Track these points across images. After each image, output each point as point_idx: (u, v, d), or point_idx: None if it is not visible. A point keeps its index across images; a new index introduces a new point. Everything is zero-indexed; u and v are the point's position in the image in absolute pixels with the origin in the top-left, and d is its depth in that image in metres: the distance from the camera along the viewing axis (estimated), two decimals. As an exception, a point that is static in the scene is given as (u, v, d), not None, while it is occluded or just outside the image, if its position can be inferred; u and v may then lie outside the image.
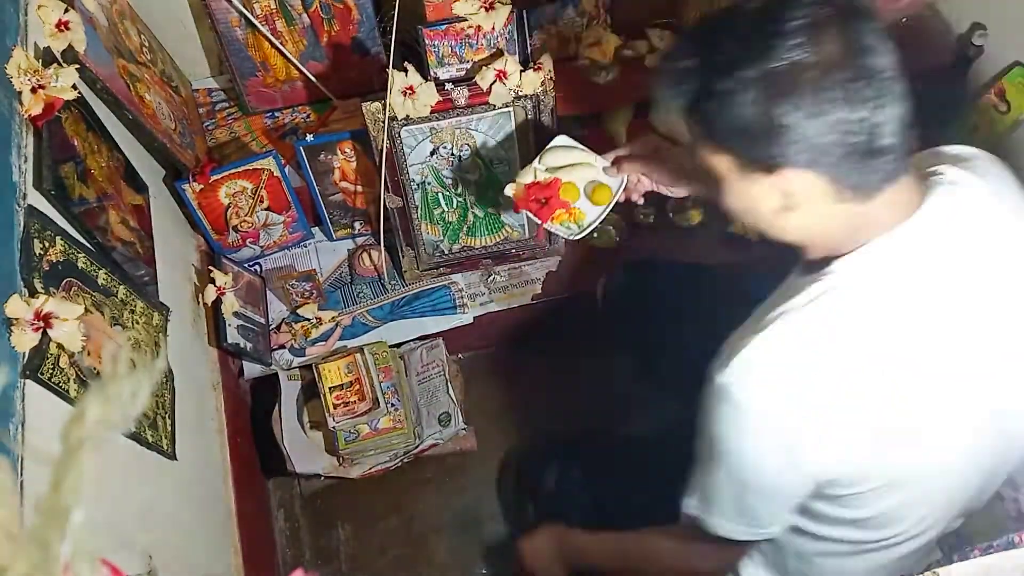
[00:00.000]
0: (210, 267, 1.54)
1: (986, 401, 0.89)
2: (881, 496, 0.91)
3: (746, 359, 0.84)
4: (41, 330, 0.91)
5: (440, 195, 1.55)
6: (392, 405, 1.62)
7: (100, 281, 1.11)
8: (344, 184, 1.61)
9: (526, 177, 1.28)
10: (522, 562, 1.32)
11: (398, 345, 1.73)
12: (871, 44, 0.76)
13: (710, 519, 0.98)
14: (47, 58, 1.09)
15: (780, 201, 0.83)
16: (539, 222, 1.28)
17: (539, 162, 1.29)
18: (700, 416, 0.91)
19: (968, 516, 1.07)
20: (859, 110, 0.75)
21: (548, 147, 1.31)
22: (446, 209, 1.58)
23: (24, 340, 0.89)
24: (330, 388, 1.57)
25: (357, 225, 1.71)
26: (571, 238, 1.29)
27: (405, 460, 1.71)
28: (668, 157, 1.19)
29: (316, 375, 1.58)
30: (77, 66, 1.09)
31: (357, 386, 1.58)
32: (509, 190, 1.30)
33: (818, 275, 0.85)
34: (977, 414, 0.89)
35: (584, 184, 1.28)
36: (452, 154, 1.48)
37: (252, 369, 1.66)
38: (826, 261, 0.86)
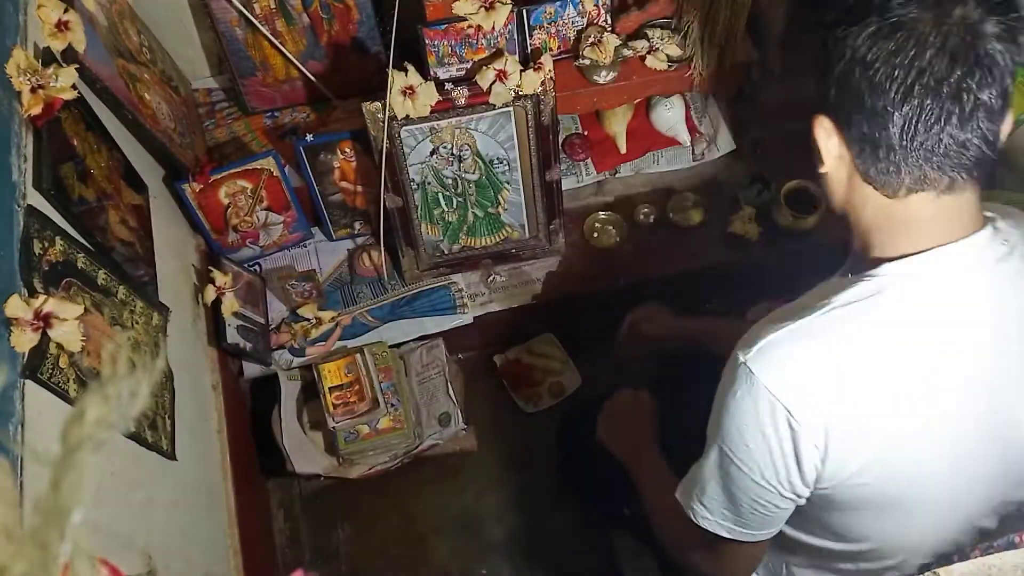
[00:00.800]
0: (210, 267, 1.54)
1: (995, 442, 0.87)
2: (867, 512, 0.90)
3: (775, 343, 0.82)
4: (41, 330, 0.91)
5: (440, 195, 1.55)
6: (392, 405, 1.62)
7: (100, 281, 1.11)
8: (344, 184, 1.61)
9: (511, 353, 1.89)
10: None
11: (398, 345, 1.73)
12: (979, 57, 0.71)
13: (695, 505, 0.96)
14: (47, 58, 1.09)
15: (819, 146, 0.83)
16: (509, 390, 1.87)
17: (526, 344, 1.90)
18: (717, 393, 0.88)
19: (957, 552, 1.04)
20: (906, 106, 0.73)
21: (537, 338, 1.90)
22: (446, 209, 1.58)
23: (24, 340, 0.89)
24: (330, 388, 1.57)
25: (357, 225, 1.71)
26: (524, 410, 1.86)
27: (405, 460, 1.71)
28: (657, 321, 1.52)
29: (316, 375, 1.58)
30: (77, 66, 1.09)
31: (357, 386, 1.57)
32: (497, 360, 1.90)
33: (866, 275, 0.83)
34: (985, 452, 0.87)
35: (549, 378, 1.87)
36: (452, 154, 1.48)
37: (252, 369, 1.66)
38: (874, 262, 0.83)
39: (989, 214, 0.85)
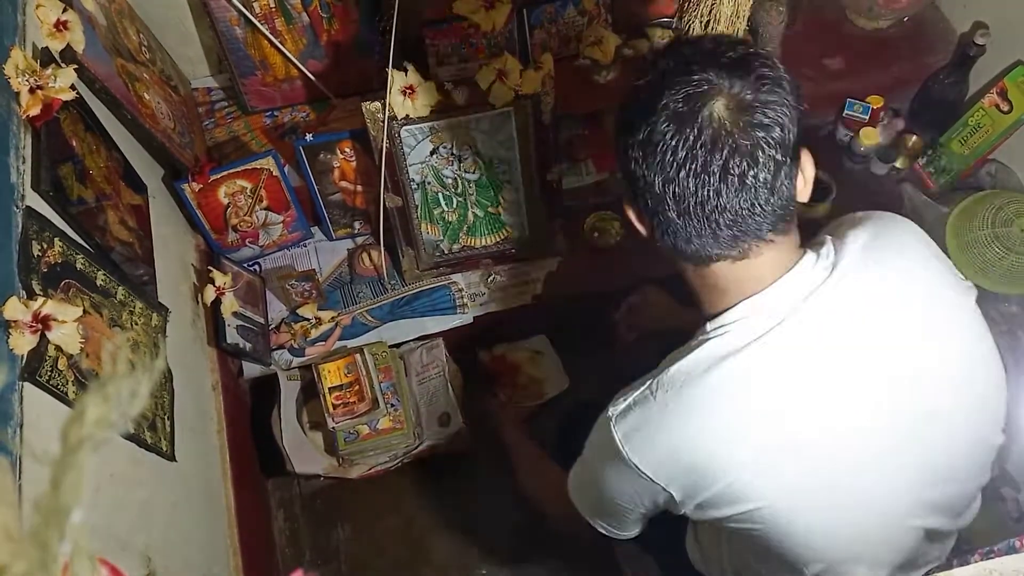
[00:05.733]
0: (209, 267, 1.53)
1: (891, 442, 0.88)
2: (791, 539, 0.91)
3: (627, 403, 0.90)
4: (39, 332, 0.91)
5: (440, 195, 1.55)
6: (392, 405, 1.61)
7: (99, 282, 1.11)
8: (343, 184, 1.61)
9: (496, 350, 1.82)
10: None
11: (398, 345, 1.73)
12: (741, 141, 0.77)
13: (579, 507, 1.07)
14: (45, 58, 1.09)
15: (639, 237, 0.89)
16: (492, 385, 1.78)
17: (516, 343, 1.83)
18: (592, 429, 0.98)
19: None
20: (691, 185, 0.78)
21: (529, 339, 1.84)
22: (446, 209, 1.58)
23: (22, 342, 0.89)
24: (329, 388, 1.57)
25: (357, 225, 1.71)
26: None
27: (405, 460, 1.71)
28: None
29: (315, 375, 1.57)
30: (76, 66, 1.09)
31: (357, 386, 1.57)
32: (482, 355, 1.81)
33: (698, 331, 0.90)
34: (878, 455, 0.88)
35: (531, 380, 1.80)
36: (452, 154, 1.48)
37: (251, 369, 1.65)
38: (703, 320, 0.90)
39: (819, 239, 0.91)
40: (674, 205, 0.80)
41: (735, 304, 0.86)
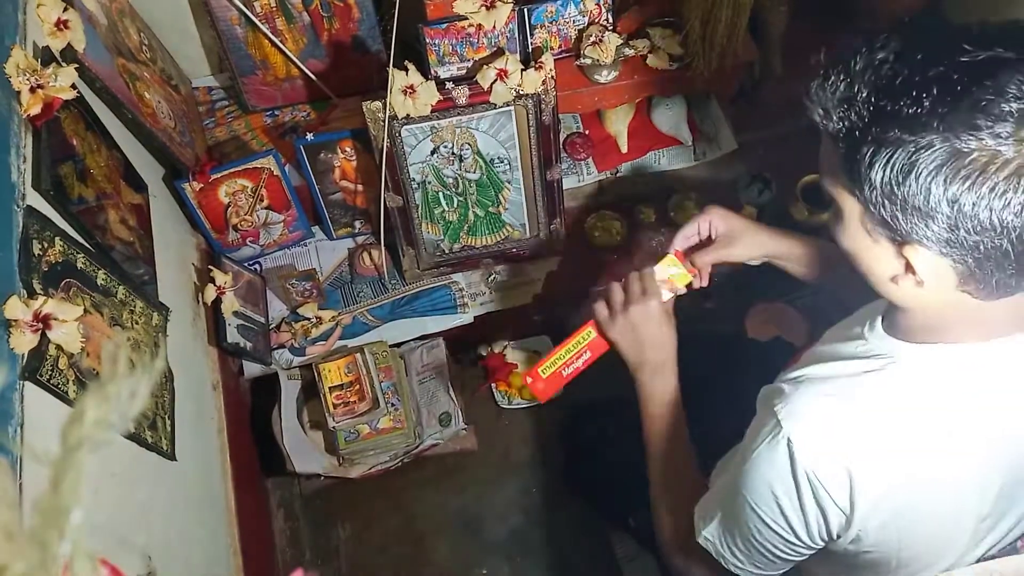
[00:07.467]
0: (210, 266, 1.53)
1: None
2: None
3: (811, 415, 0.81)
4: (40, 331, 0.91)
5: (441, 194, 1.55)
6: (392, 405, 1.61)
7: (99, 281, 1.11)
8: (344, 183, 1.61)
9: (496, 347, 1.91)
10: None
11: (398, 345, 1.73)
12: None
13: (725, 553, 0.95)
14: (46, 57, 1.08)
15: (898, 271, 0.76)
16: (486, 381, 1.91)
17: (519, 341, 1.93)
18: (747, 441, 0.88)
19: None
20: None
21: (531, 338, 1.92)
22: (447, 208, 1.58)
23: (23, 342, 0.89)
24: (330, 388, 1.57)
25: (357, 224, 1.71)
26: (499, 404, 1.91)
27: (405, 460, 1.71)
28: (745, 239, 1.20)
29: (316, 375, 1.57)
30: (76, 65, 1.09)
31: (357, 386, 1.57)
32: (481, 350, 1.92)
33: (884, 355, 0.82)
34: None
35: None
36: (453, 153, 1.48)
37: (252, 369, 1.65)
38: (894, 342, 0.82)
39: None
40: (1007, 239, 0.65)
41: (956, 341, 0.77)
